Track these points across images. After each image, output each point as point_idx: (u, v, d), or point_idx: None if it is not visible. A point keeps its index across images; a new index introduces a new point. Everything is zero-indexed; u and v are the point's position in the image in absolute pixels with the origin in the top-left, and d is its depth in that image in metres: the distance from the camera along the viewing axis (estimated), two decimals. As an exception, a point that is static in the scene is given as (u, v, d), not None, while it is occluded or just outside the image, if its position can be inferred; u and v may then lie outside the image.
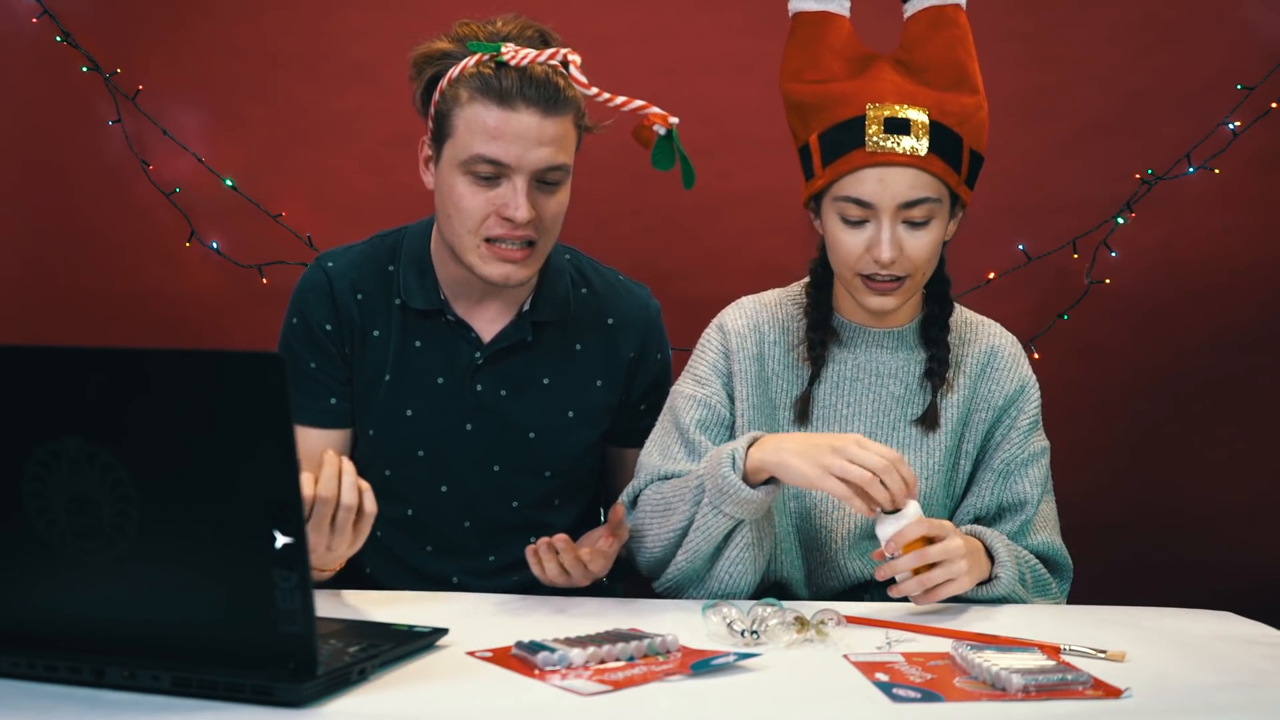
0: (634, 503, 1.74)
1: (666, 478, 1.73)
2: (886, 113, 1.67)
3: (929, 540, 1.54)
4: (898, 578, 1.54)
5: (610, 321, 1.89)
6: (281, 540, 1.06)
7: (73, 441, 1.11)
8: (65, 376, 1.12)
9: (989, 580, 1.62)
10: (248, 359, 1.06)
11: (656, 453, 1.78)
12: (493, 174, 1.68)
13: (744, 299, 1.88)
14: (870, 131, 1.67)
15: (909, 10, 1.79)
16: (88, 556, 1.13)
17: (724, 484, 1.58)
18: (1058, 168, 2.63)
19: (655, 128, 1.66)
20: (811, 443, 1.55)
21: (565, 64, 1.67)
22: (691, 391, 1.80)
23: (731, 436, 1.78)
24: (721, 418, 1.79)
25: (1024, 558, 1.70)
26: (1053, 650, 1.36)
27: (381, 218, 2.63)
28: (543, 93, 1.65)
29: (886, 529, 1.53)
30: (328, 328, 1.81)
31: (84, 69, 2.65)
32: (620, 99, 1.66)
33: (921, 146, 1.66)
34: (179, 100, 2.67)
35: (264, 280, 2.67)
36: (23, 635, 1.18)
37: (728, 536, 1.64)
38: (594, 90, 1.65)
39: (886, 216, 1.67)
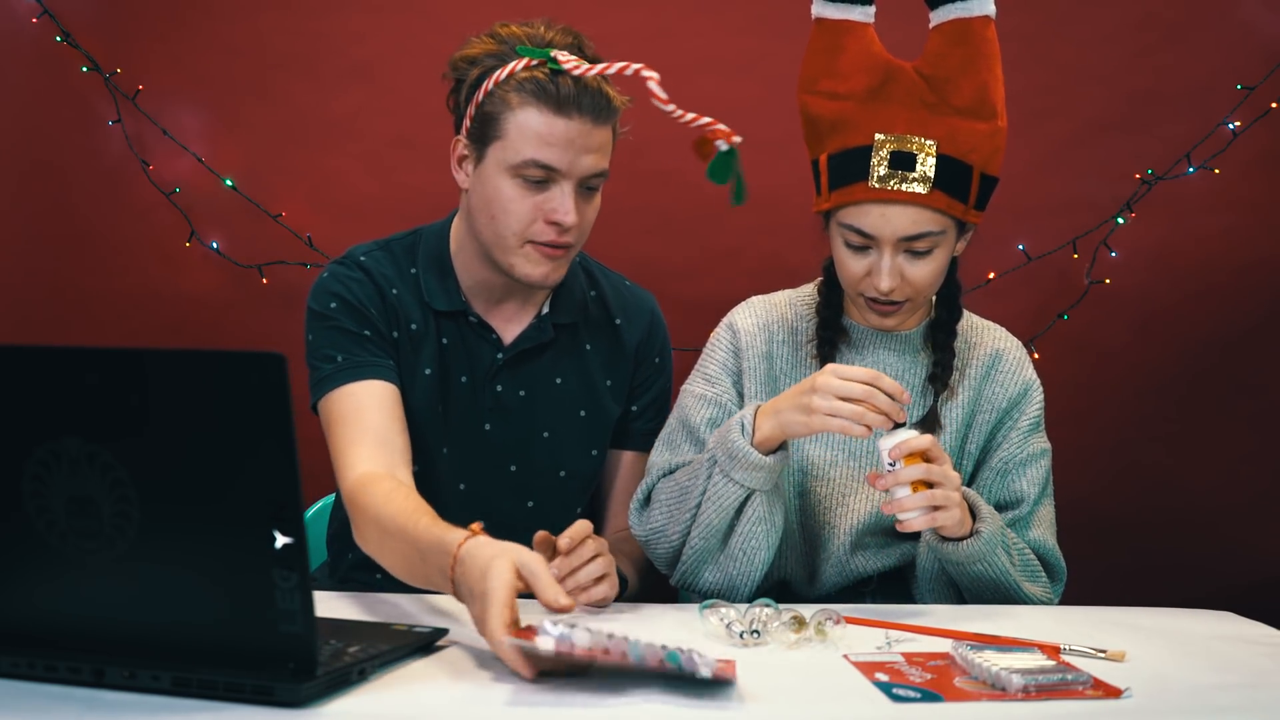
0: (647, 500, 1.76)
1: (671, 470, 1.75)
2: (894, 146, 1.66)
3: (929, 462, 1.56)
4: (896, 493, 1.55)
5: (618, 322, 1.91)
6: (281, 540, 1.06)
7: (73, 441, 1.11)
8: (65, 376, 1.12)
9: (971, 535, 1.63)
10: (248, 359, 1.06)
11: (665, 449, 1.80)
12: (543, 178, 1.69)
13: (754, 299, 1.90)
14: (875, 163, 1.66)
15: (934, 20, 1.71)
16: (87, 556, 1.13)
17: (734, 449, 1.59)
18: (1058, 168, 2.63)
19: (718, 143, 1.67)
20: (796, 392, 1.58)
21: (604, 81, 1.69)
22: (702, 391, 1.81)
23: None
24: (732, 415, 1.79)
25: (1012, 536, 1.71)
26: (1053, 650, 1.36)
27: (382, 217, 2.64)
28: (596, 102, 1.67)
29: (887, 442, 1.55)
30: (372, 310, 1.80)
31: (84, 69, 2.65)
32: (690, 115, 1.66)
33: (925, 186, 1.65)
34: (179, 100, 2.67)
35: (264, 280, 2.67)
36: (22, 635, 1.18)
37: (739, 510, 1.65)
38: (671, 107, 1.64)
39: (888, 248, 1.68)
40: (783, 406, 1.59)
